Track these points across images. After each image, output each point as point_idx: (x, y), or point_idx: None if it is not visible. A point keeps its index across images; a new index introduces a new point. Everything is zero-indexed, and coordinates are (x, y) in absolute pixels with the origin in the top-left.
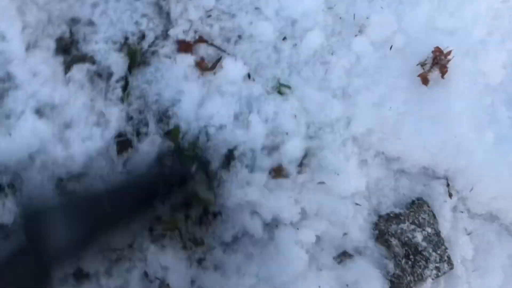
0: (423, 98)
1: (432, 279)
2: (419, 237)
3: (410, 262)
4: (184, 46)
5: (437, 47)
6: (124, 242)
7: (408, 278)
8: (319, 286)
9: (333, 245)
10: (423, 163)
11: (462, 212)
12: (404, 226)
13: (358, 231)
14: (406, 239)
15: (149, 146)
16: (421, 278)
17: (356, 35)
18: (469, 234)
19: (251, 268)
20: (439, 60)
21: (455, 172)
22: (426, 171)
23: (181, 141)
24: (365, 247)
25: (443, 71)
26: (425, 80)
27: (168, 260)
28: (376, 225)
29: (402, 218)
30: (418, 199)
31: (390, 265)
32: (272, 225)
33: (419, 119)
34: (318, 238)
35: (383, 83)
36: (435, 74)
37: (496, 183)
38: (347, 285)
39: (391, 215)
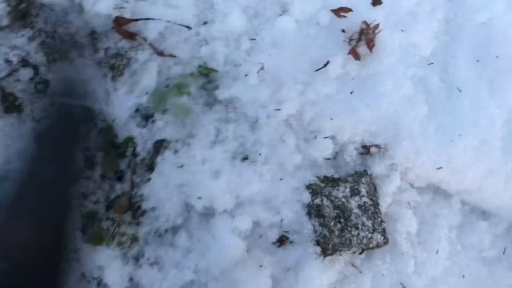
0: (353, 74)
1: (364, 248)
2: (353, 204)
3: (339, 225)
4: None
5: (364, 21)
6: None
7: (335, 240)
8: (261, 265)
9: (271, 229)
10: (359, 140)
11: (404, 186)
12: (339, 191)
13: (295, 214)
14: (339, 203)
15: None
16: (349, 243)
17: (280, 15)
18: (412, 208)
19: (189, 261)
20: (366, 34)
21: (392, 147)
22: (363, 149)
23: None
24: (302, 227)
25: (370, 45)
26: (356, 55)
27: (103, 259)
28: (310, 186)
29: (340, 183)
30: (365, 171)
31: (317, 224)
32: (207, 215)
33: (351, 96)
34: (256, 224)
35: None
36: (363, 49)
37: (434, 154)
38: (288, 269)
39: (329, 178)
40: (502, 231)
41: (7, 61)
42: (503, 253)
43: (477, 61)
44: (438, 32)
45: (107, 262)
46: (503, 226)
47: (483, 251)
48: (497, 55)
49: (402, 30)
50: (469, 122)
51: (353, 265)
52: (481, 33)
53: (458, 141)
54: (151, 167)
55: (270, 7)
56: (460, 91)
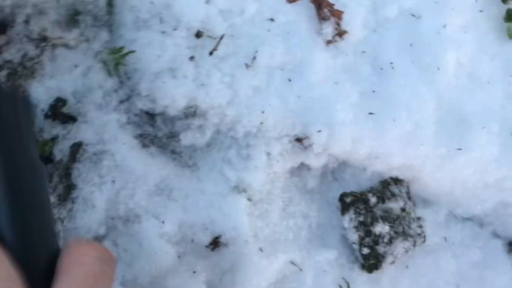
0: (280, 65)
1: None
2: None
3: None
4: None
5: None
6: None
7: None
8: (194, 272)
9: (204, 232)
10: (286, 129)
11: None
12: None
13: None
14: None
15: None
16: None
17: (205, 2)
18: None
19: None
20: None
21: (326, 136)
22: (290, 136)
23: None
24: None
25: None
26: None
27: None
28: None
29: None
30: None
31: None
32: (132, 221)
33: (281, 87)
34: (187, 227)
35: None
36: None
37: (368, 142)
38: (224, 273)
39: None
40: (443, 219)
41: None
42: (445, 241)
43: (411, 44)
44: (366, 19)
45: None
46: (444, 213)
47: (426, 239)
48: (425, 39)
49: None
50: (402, 107)
51: (293, 263)
52: (410, 20)
53: (391, 127)
54: (67, 173)
55: None
56: (392, 75)
